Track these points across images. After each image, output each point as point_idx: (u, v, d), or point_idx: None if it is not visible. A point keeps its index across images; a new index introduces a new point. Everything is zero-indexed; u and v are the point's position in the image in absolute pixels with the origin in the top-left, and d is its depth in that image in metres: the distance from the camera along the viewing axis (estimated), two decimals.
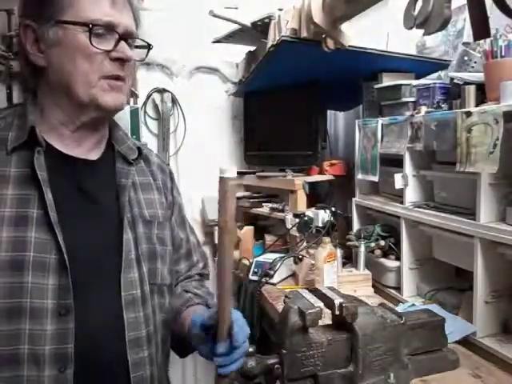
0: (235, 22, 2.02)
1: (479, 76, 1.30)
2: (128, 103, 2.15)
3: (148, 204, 0.94)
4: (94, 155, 0.90)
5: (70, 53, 0.80)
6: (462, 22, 1.70)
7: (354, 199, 1.82)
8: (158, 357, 0.89)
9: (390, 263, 1.58)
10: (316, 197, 2.12)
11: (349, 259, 1.80)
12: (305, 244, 1.74)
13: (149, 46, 0.92)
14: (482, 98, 1.25)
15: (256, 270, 1.70)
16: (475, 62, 1.46)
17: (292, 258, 1.75)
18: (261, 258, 1.77)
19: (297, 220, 1.75)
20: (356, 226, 1.81)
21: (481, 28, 0.85)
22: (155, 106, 2.53)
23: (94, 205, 0.86)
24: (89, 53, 0.80)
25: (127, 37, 0.84)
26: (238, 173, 2.44)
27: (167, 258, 0.95)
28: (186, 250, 1.06)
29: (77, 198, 0.84)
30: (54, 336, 0.75)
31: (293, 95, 2.16)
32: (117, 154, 0.93)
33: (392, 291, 1.56)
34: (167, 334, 0.95)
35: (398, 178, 1.49)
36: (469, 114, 1.15)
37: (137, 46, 0.91)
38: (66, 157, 0.86)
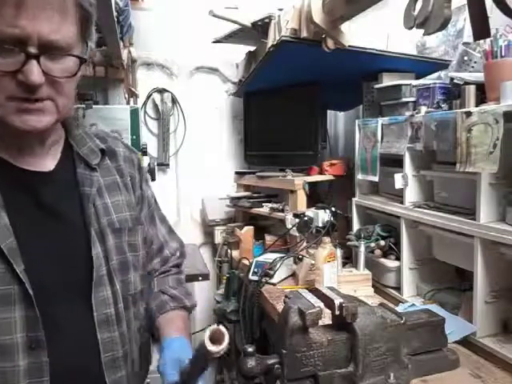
0: (235, 22, 2.02)
1: (479, 76, 1.30)
2: (128, 103, 2.15)
3: (116, 208, 0.85)
4: (49, 164, 0.80)
5: None
6: (462, 21, 1.70)
7: (353, 199, 1.82)
8: (137, 372, 0.86)
9: (390, 263, 1.58)
10: (316, 197, 2.12)
11: (349, 259, 1.80)
12: (305, 244, 1.74)
13: (81, 60, 0.74)
14: (481, 98, 1.25)
15: (256, 270, 1.70)
16: (475, 62, 1.46)
17: (292, 258, 1.75)
18: (261, 258, 1.77)
19: (297, 220, 1.75)
20: (356, 226, 1.81)
21: (481, 28, 0.85)
22: (155, 106, 2.53)
23: (56, 221, 0.77)
24: None
25: (47, 50, 0.68)
26: (238, 173, 2.45)
27: (139, 265, 0.89)
28: (158, 245, 1.00)
29: (37, 215, 0.76)
30: (28, 371, 0.69)
31: (293, 95, 2.16)
32: (76, 156, 0.83)
33: (392, 291, 1.56)
34: (146, 344, 0.92)
35: (398, 177, 1.49)
36: (469, 114, 1.15)
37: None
38: (18, 169, 0.76)
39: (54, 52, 0.69)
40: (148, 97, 2.50)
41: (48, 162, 0.80)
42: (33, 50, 0.67)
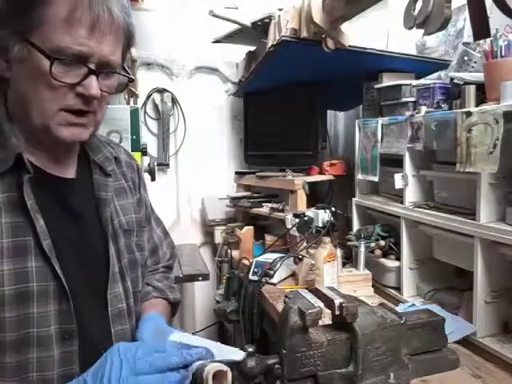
0: (235, 22, 2.02)
1: (479, 76, 1.30)
2: (128, 103, 2.15)
3: (124, 211, 0.93)
4: (71, 171, 0.87)
5: (31, 76, 0.73)
6: (462, 21, 1.70)
7: (353, 199, 1.82)
8: None
9: (390, 263, 1.58)
10: (316, 197, 2.12)
11: (349, 259, 1.80)
12: (305, 244, 1.74)
13: (129, 79, 0.85)
14: (481, 98, 1.25)
15: (256, 269, 1.70)
16: (475, 62, 1.46)
17: (292, 258, 1.75)
18: (261, 258, 1.77)
19: (297, 220, 1.75)
20: (356, 226, 1.81)
21: (481, 28, 0.85)
22: (155, 106, 2.53)
23: (79, 223, 0.84)
24: (50, 83, 0.72)
25: (102, 68, 0.76)
26: (238, 173, 2.44)
27: (144, 263, 0.97)
28: (152, 246, 1.06)
29: (65, 218, 0.82)
30: (61, 360, 0.76)
31: (293, 95, 2.16)
32: (92, 163, 0.90)
33: (392, 291, 1.56)
34: None
35: (398, 177, 1.49)
36: (469, 114, 1.15)
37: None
38: (50, 176, 0.82)
39: (108, 70, 0.77)
40: (148, 97, 2.50)
41: (70, 169, 0.87)
42: (92, 66, 0.74)
